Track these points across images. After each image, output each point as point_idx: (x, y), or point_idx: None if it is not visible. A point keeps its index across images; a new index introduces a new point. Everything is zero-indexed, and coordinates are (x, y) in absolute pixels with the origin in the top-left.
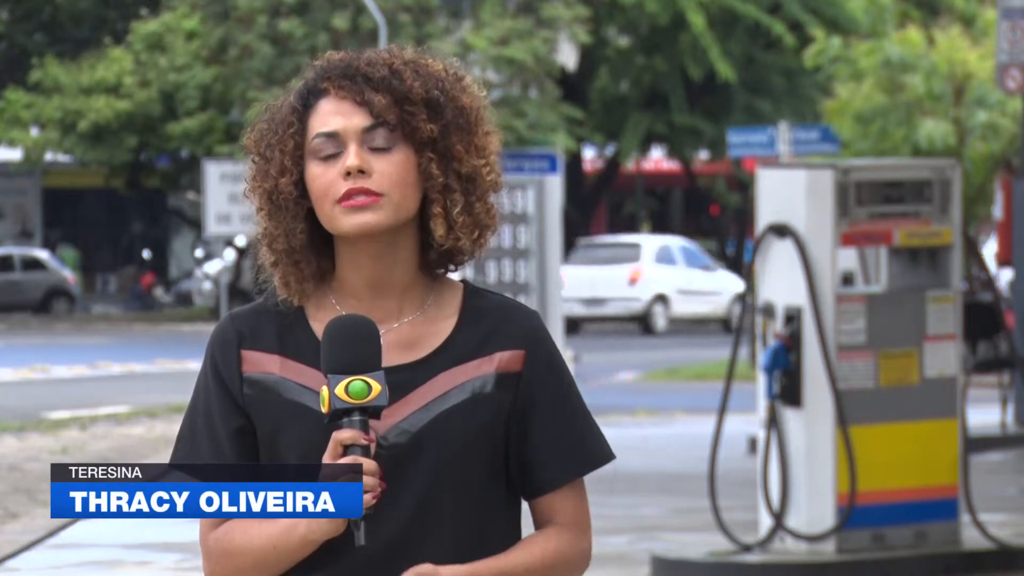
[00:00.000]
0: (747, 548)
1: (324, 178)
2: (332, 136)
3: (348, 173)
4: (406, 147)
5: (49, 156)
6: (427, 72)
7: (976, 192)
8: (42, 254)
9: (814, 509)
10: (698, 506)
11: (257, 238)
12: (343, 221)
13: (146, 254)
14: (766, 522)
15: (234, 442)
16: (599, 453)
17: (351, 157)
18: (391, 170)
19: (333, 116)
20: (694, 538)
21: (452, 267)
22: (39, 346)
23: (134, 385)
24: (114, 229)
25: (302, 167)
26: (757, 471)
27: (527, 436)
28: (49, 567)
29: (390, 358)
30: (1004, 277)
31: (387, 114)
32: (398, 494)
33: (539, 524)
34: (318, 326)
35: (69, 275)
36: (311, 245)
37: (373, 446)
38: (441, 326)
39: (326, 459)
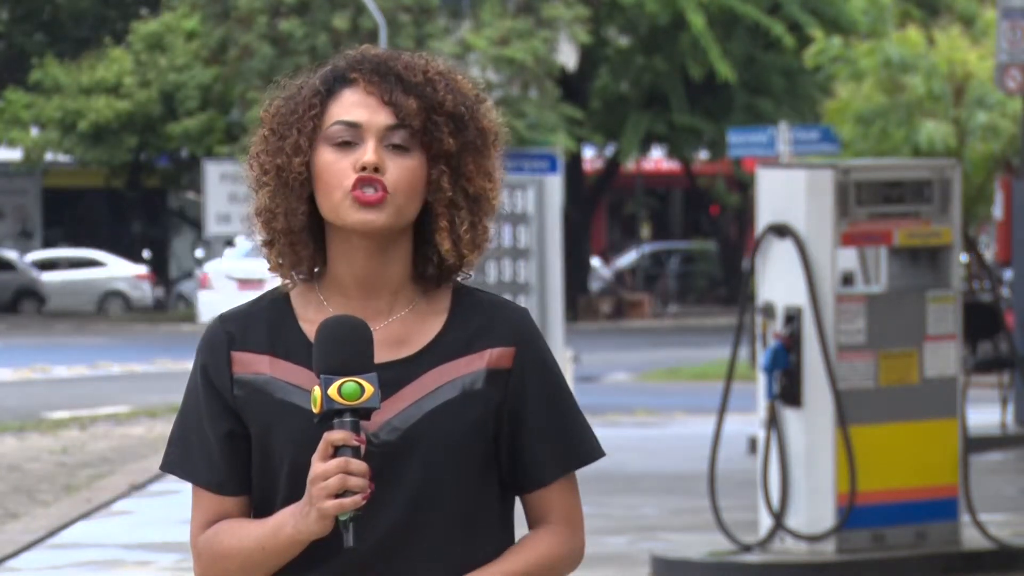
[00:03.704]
0: (747, 548)
1: (336, 166)
2: (353, 127)
3: (363, 168)
4: (421, 154)
5: (49, 156)
6: (457, 88)
7: (976, 192)
8: (11, 254)
9: (814, 509)
10: (698, 506)
11: (253, 213)
12: (349, 214)
13: (146, 254)
14: (766, 522)
15: (224, 445)
16: (590, 449)
17: (369, 153)
18: (404, 173)
19: (357, 108)
20: (694, 538)
21: (446, 282)
22: (39, 346)
23: (134, 385)
24: (114, 229)
25: (315, 148)
26: (757, 471)
27: (518, 432)
28: (49, 567)
29: (380, 355)
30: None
31: (412, 119)
32: (389, 493)
33: (531, 521)
34: (307, 326)
35: (37, 275)
36: (309, 229)
37: (363, 447)
38: (431, 323)
39: (315, 459)
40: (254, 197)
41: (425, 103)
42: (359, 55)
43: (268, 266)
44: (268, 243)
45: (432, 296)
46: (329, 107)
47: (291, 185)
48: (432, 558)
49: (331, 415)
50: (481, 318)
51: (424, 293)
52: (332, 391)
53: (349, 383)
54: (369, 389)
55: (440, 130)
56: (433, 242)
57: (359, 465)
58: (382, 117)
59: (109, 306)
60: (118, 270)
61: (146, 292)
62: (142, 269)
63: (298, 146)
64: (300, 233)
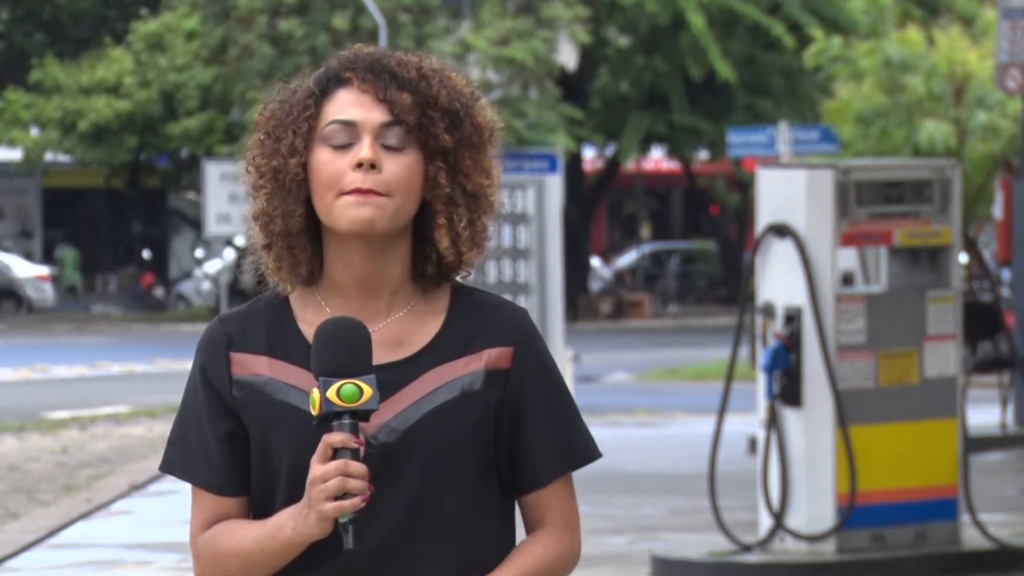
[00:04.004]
0: (747, 548)
1: (332, 166)
2: (348, 125)
3: (359, 165)
4: (417, 152)
5: (49, 156)
6: (451, 84)
7: (976, 192)
8: None
9: (814, 509)
10: (698, 506)
11: (250, 218)
12: (342, 215)
13: (146, 254)
14: (766, 522)
15: (224, 446)
16: (587, 450)
17: (365, 149)
18: (401, 170)
19: (352, 106)
20: (694, 538)
21: (445, 281)
22: (39, 346)
23: (134, 385)
24: (114, 229)
25: (311, 149)
26: (757, 471)
27: (517, 433)
28: (49, 567)
29: (378, 356)
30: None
31: (408, 115)
32: (389, 495)
33: (529, 522)
34: (306, 327)
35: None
36: (306, 232)
37: (362, 449)
38: (429, 324)
39: (315, 461)
40: (251, 202)
41: (420, 99)
42: (352, 55)
43: (267, 271)
44: (266, 247)
45: (431, 296)
46: (324, 107)
47: (288, 187)
48: (432, 560)
49: (330, 417)
50: (480, 318)
51: (423, 293)
52: (331, 393)
53: (348, 385)
54: (368, 391)
55: (436, 126)
56: (432, 240)
57: (358, 467)
58: (377, 115)
59: (6, 307)
60: (18, 271)
61: (47, 294)
62: (43, 270)
63: (294, 147)
64: (298, 236)
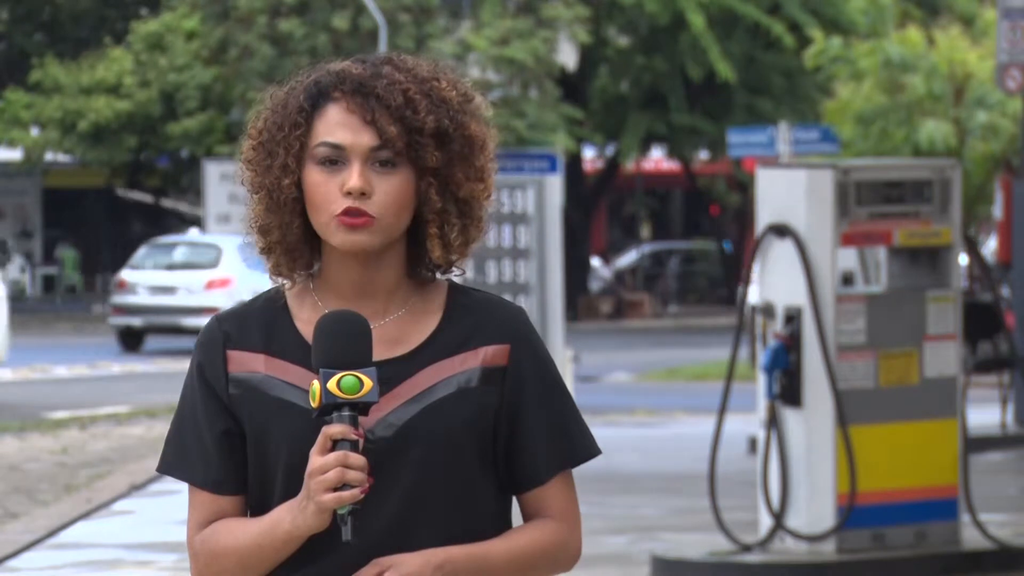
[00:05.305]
0: (747, 548)
1: (324, 188)
2: (337, 148)
3: (348, 193)
4: (408, 168)
5: (49, 156)
6: (440, 98)
7: (976, 192)
8: None
9: (814, 509)
10: (698, 506)
11: (249, 222)
12: (335, 237)
13: None
14: (766, 522)
15: (220, 445)
16: (586, 447)
17: (354, 178)
18: (391, 193)
19: (341, 128)
20: (694, 538)
21: (440, 275)
22: (39, 346)
23: (134, 385)
24: (114, 229)
25: (303, 166)
26: (757, 471)
27: (515, 431)
28: (49, 567)
29: (375, 353)
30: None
31: (395, 141)
32: (386, 489)
33: (528, 518)
34: (302, 325)
35: None
36: (304, 238)
37: (362, 442)
38: (426, 322)
39: (314, 453)
40: (249, 209)
41: (406, 126)
42: (341, 72)
43: (269, 271)
44: (266, 251)
45: (427, 295)
46: (314, 124)
47: (282, 203)
48: None
49: (329, 409)
50: (476, 316)
51: (419, 291)
52: (331, 385)
53: (348, 377)
54: (368, 383)
55: (424, 149)
56: (425, 246)
57: (357, 459)
58: (366, 138)
59: None
60: None
61: None
62: None
63: (286, 166)
64: (296, 243)
